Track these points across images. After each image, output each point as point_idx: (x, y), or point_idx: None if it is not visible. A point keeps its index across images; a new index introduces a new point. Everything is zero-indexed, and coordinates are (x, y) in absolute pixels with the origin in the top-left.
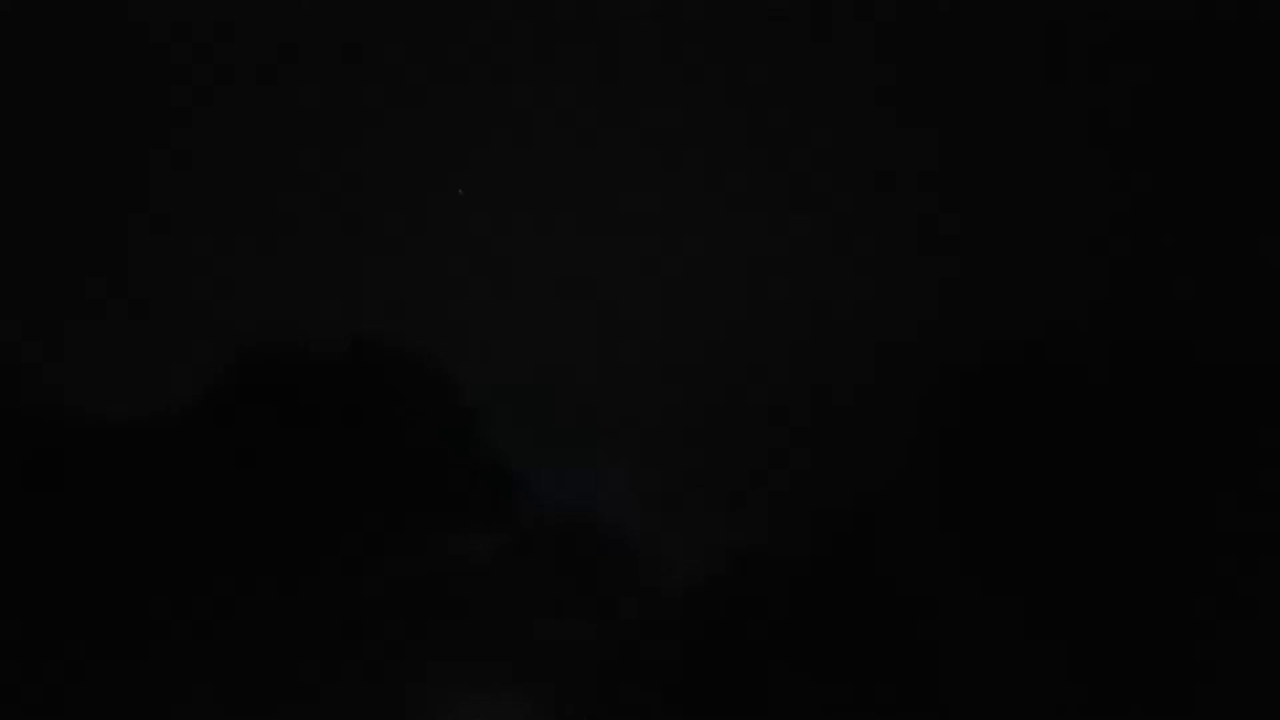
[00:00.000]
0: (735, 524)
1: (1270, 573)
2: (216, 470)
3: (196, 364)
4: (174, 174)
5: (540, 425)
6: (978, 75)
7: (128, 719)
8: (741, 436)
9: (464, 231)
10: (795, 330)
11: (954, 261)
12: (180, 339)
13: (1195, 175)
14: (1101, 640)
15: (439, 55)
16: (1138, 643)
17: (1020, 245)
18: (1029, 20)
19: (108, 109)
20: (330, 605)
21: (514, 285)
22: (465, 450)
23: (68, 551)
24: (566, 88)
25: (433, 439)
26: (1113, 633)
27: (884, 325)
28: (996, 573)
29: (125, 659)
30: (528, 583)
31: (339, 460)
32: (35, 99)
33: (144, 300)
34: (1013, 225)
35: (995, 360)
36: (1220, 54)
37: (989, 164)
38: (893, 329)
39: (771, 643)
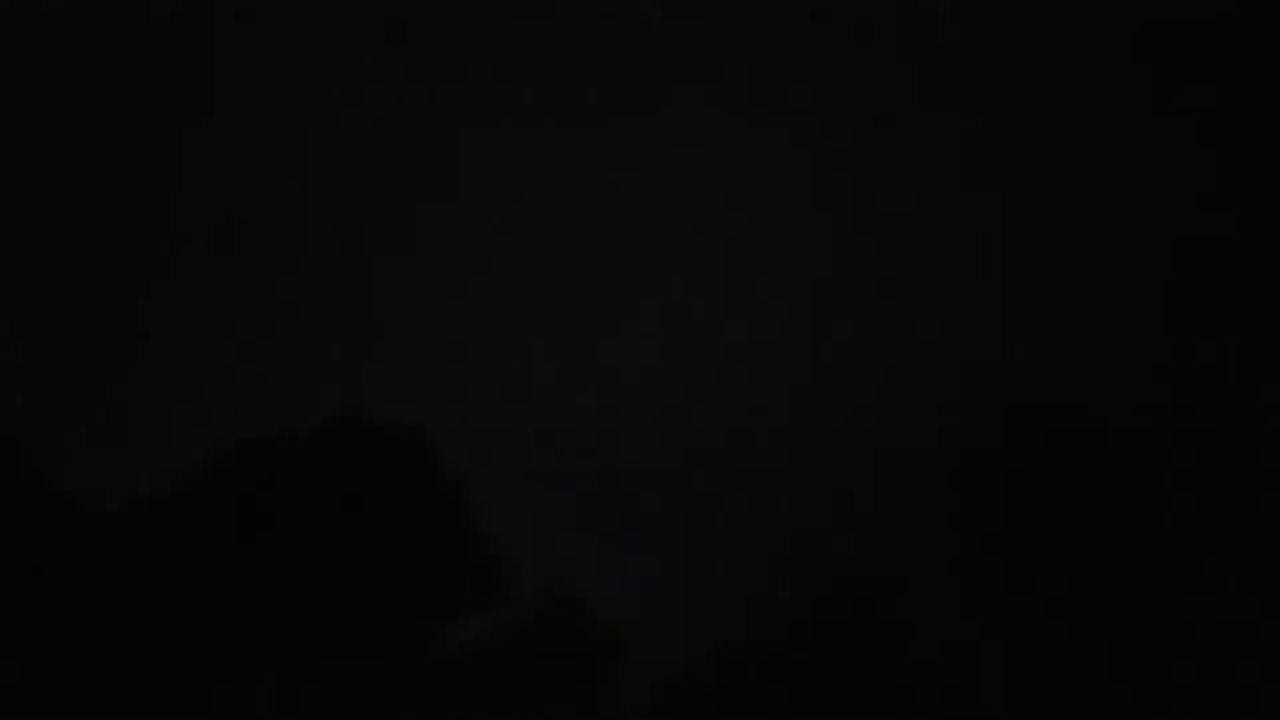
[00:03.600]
0: (729, 612)
1: None
2: (209, 556)
3: (191, 451)
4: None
5: (538, 511)
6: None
7: None
8: (738, 524)
9: (469, 326)
10: (802, 423)
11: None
12: (174, 426)
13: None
14: None
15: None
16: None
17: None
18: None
19: (114, 199)
20: (325, 693)
21: (516, 378)
22: (458, 535)
23: (69, 636)
24: (565, 169)
25: (425, 523)
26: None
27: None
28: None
29: None
30: (521, 667)
31: (331, 546)
32: (40, 198)
33: (139, 386)
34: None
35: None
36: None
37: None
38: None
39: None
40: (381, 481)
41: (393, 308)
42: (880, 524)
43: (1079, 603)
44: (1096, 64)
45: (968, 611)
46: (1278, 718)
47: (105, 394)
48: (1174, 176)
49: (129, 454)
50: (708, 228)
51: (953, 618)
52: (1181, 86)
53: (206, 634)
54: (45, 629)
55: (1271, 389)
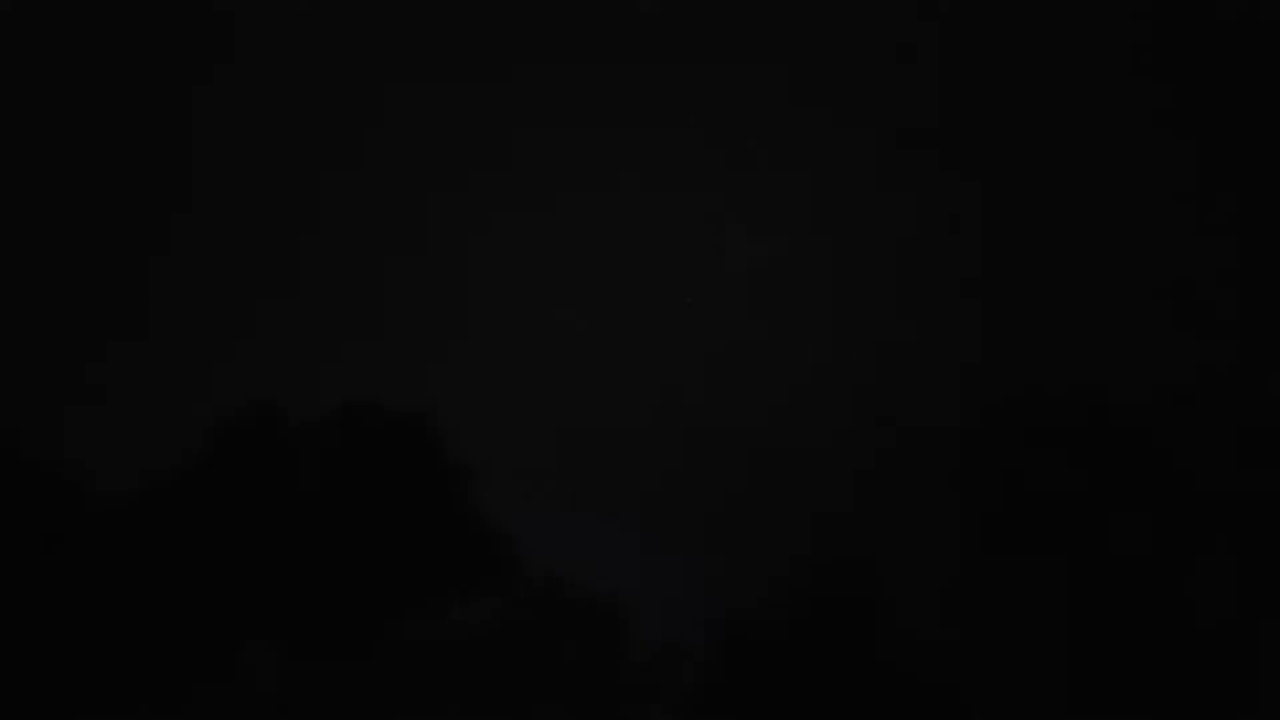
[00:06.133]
0: (729, 589)
1: None
2: (220, 537)
3: (207, 436)
4: (171, 249)
5: (539, 491)
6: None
7: None
8: (738, 506)
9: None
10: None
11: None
12: (189, 411)
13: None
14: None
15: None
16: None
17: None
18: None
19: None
20: (329, 672)
21: (525, 368)
22: (464, 519)
23: (72, 615)
24: (572, 170)
25: (429, 503)
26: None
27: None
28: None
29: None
30: (525, 646)
31: (334, 526)
32: (42, 196)
33: (142, 364)
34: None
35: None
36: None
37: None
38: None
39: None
40: (390, 465)
41: (405, 297)
42: (874, 510)
43: (1069, 589)
44: (1094, 73)
45: (959, 599)
46: (1278, 715)
47: (120, 380)
48: (1167, 174)
49: (143, 438)
50: (718, 225)
51: (944, 605)
52: (1175, 87)
53: (216, 611)
54: (55, 606)
55: (1271, 376)
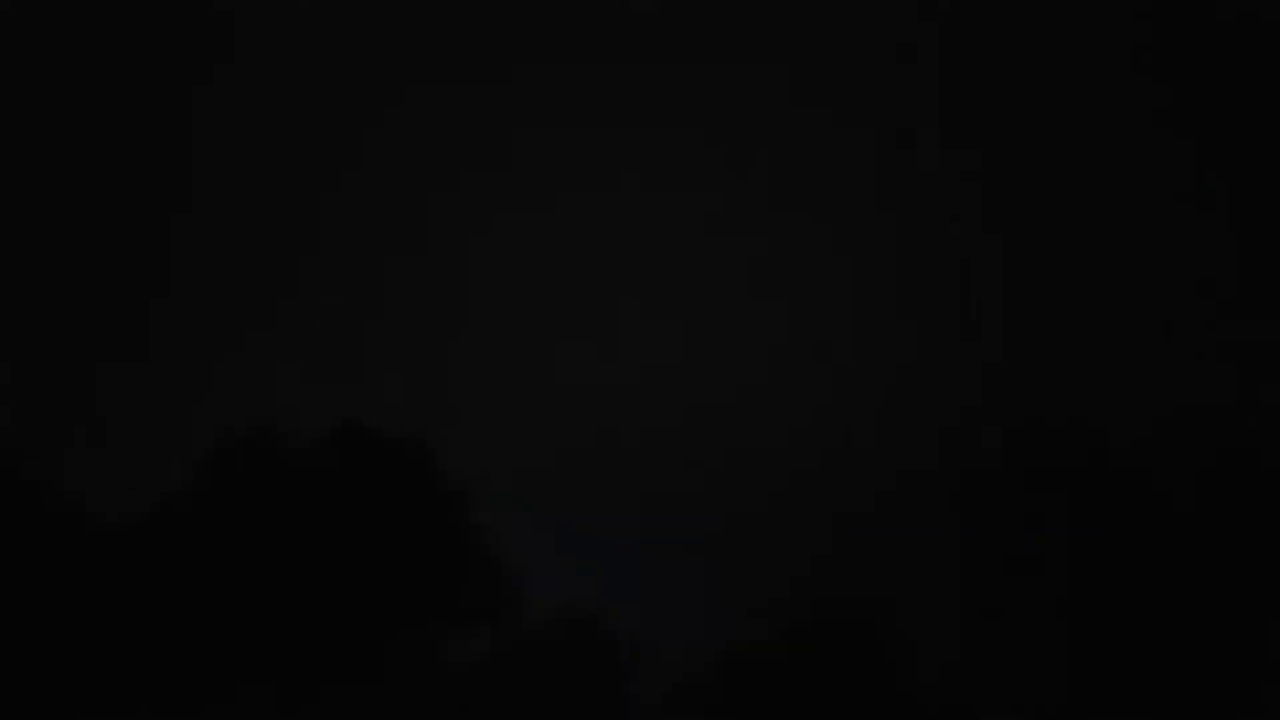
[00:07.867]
0: (734, 618)
1: None
2: (213, 566)
3: (197, 461)
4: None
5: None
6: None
7: None
8: (743, 532)
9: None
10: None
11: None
12: (181, 435)
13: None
14: None
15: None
16: None
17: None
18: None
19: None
20: (325, 700)
21: (519, 357)
22: (462, 544)
23: (68, 638)
24: (574, 177)
25: (427, 532)
26: None
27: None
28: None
29: None
30: (527, 681)
31: (330, 553)
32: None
33: (139, 390)
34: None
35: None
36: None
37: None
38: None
39: None
40: (387, 491)
41: (405, 297)
42: (882, 542)
43: (1077, 617)
44: (1094, 73)
45: (967, 627)
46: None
47: (112, 404)
48: (1173, 194)
49: (137, 463)
50: (716, 246)
51: (953, 633)
52: (1175, 88)
53: (210, 644)
54: (50, 630)
55: (1269, 392)
